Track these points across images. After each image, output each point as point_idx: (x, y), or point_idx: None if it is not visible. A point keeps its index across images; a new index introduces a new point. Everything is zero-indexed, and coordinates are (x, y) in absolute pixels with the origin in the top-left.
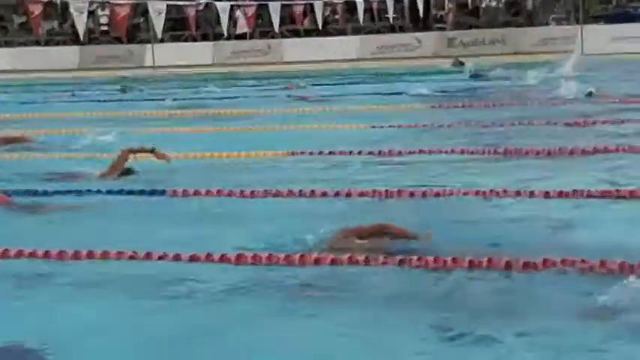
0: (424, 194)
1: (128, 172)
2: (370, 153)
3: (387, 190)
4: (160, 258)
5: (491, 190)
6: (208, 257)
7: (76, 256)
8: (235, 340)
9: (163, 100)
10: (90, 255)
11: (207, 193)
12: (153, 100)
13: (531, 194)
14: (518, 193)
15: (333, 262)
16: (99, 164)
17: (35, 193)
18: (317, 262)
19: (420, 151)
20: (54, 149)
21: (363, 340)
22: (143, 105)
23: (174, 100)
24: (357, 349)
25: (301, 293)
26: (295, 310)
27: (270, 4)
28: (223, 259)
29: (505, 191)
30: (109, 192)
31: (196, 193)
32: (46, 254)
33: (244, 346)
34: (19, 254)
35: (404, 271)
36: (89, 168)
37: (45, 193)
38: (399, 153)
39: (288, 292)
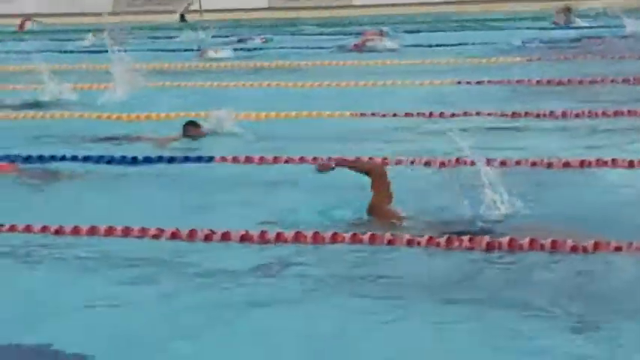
0: (518, 163)
1: (194, 127)
2: (454, 115)
3: (472, 160)
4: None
5: (597, 160)
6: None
7: (95, 231)
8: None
9: (214, 51)
10: (109, 231)
11: (261, 160)
12: (199, 50)
13: None
14: (631, 164)
15: (410, 243)
16: (135, 126)
17: (55, 158)
18: (391, 243)
19: (514, 114)
20: (83, 108)
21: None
22: (187, 56)
23: (224, 50)
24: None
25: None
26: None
27: None
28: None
29: (614, 161)
30: (148, 160)
31: (248, 160)
32: (75, 230)
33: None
34: (44, 230)
35: (490, 257)
36: (124, 130)
37: (72, 159)
38: (489, 115)
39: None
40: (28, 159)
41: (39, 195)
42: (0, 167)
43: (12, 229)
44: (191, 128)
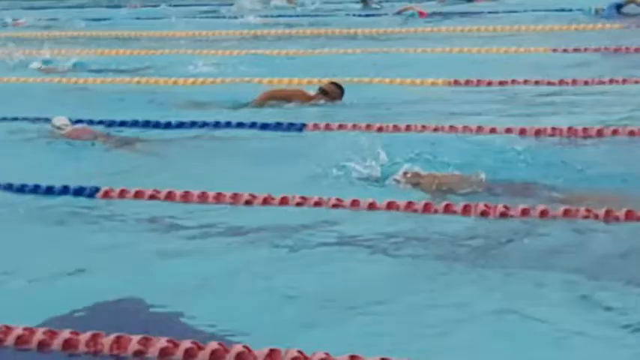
0: (615, 133)
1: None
2: (550, 83)
3: (569, 128)
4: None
5: None
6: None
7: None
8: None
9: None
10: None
11: (355, 126)
12: (281, 16)
13: None
14: None
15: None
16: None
17: (149, 124)
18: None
19: (611, 81)
20: (162, 73)
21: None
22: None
23: (300, 16)
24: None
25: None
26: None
27: None
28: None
29: None
30: (240, 125)
31: (341, 127)
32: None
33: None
34: (139, 195)
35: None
36: (208, 96)
37: (166, 126)
38: (585, 83)
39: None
40: (123, 124)
41: (131, 160)
42: (78, 132)
43: (107, 194)
44: (333, 88)
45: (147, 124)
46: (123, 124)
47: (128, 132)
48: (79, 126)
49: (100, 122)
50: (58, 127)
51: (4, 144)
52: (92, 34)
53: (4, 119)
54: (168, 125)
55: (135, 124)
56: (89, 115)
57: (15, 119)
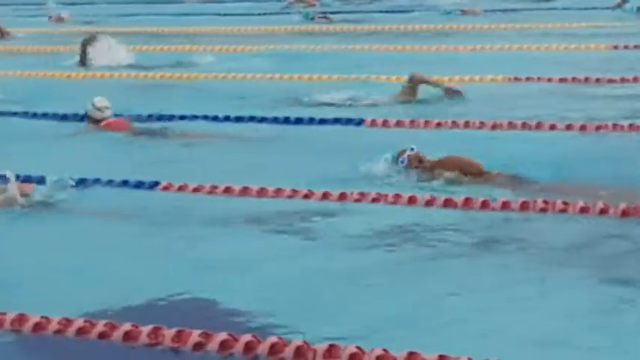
0: None
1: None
2: (610, 80)
3: (631, 124)
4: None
5: None
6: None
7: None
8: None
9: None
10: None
11: (412, 123)
12: (335, 12)
13: None
14: None
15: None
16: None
17: (208, 118)
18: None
19: None
20: (218, 68)
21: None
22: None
23: (356, 12)
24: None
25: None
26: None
27: None
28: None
29: None
30: (299, 121)
31: (399, 124)
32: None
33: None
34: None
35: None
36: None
37: (225, 119)
38: None
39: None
40: (183, 117)
41: (182, 153)
42: (112, 124)
43: (167, 187)
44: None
45: (205, 118)
46: (183, 117)
47: (183, 125)
48: (123, 118)
49: (159, 117)
50: (99, 109)
51: (51, 139)
52: (146, 29)
53: (53, 115)
54: (227, 119)
55: (194, 117)
56: (148, 109)
57: (59, 115)
